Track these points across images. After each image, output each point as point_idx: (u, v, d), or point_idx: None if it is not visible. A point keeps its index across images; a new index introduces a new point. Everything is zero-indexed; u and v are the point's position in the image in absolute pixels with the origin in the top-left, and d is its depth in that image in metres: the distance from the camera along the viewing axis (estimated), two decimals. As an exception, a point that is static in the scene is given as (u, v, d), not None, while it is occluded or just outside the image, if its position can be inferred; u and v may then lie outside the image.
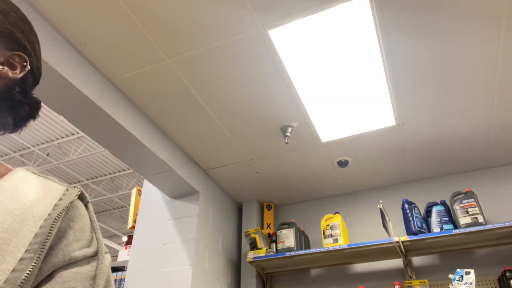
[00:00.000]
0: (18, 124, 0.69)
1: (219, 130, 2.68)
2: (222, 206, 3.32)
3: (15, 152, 7.20)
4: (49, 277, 0.52)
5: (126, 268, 2.98)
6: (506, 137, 2.76)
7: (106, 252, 0.60)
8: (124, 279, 2.92)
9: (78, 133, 6.59)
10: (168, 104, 2.46)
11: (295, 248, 3.01)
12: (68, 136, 6.77)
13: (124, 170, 7.76)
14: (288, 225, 3.16)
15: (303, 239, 3.19)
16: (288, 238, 3.08)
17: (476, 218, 2.59)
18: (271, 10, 1.88)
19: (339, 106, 2.48)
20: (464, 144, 2.83)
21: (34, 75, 0.71)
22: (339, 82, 2.30)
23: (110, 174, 7.93)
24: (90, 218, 0.62)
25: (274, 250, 3.07)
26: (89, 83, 2.12)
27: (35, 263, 0.50)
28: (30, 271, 0.49)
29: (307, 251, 2.92)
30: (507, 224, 2.47)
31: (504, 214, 2.82)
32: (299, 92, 2.36)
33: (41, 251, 0.51)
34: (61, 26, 1.96)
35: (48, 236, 0.52)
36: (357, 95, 2.40)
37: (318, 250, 2.86)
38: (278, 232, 3.15)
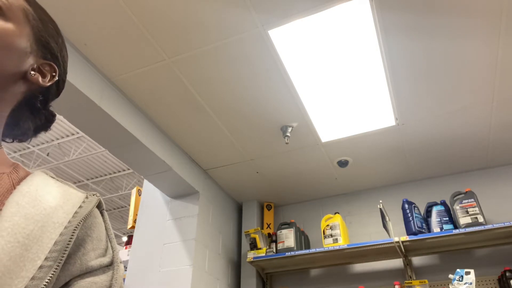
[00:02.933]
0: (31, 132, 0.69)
1: (219, 130, 2.68)
2: (222, 206, 3.32)
3: (15, 152, 7.21)
4: (66, 285, 0.52)
5: (126, 268, 2.98)
6: (506, 137, 2.76)
7: (120, 262, 0.60)
8: (124, 279, 2.92)
9: (78, 133, 6.59)
10: (168, 104, 2.46)
11: (295, 248, 3.01)
12: (68, 136, 6.77)
13: (124, 170, 7.76)
14: (288, 225, 3.15)
15: (303, 239, 3.19)
16: (288, 238, 3.08)
17: (476, 218, 2.59)
18: (271, 10, 1.88)
19: (339, 106, 2.48)
20: (464, 144, 2.83)
21: (58, 87, 0.72)
22: (339, 82, 2.30)
23: (110, 174, 7.93)
24: (105, 226, 0.62)
25: (274, 250, 3.07)
26: (89, 83, 2.12)
27: (54, 271, 0.49)
28: (49, 279, 0.48)
29: (307, 251, 2.92)
30: (507, 224, 2.48)
31: (504, 214, 2.82)
32: (299, 92, 2.36)
33: (61, 260, 0.50)
34: (61, 26, 1.95)
35: (68, 244, 0.52)
36: (357, 95, 2.40)
37: (318, 250, 2.86)
38: (278, 232, 3.15)
